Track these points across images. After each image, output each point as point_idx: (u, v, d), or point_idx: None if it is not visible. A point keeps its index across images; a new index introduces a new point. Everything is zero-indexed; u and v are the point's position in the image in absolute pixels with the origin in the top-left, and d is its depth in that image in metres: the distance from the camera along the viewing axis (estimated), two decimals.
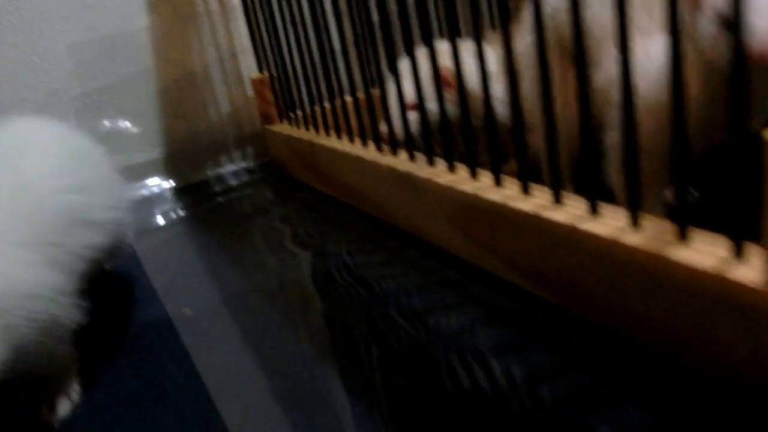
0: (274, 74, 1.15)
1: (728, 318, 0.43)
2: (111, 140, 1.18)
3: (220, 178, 1.27)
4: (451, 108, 0.72)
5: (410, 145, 0.80)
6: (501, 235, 0.63)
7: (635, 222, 0.51)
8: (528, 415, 0.47)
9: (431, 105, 0.73)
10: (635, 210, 0.51)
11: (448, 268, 0.71)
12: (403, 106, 0.79)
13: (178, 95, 1.24)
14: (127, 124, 1.22)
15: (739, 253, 0.43)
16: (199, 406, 0.56)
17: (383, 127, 0.84)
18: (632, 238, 0.49)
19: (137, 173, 1.23)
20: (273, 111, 1.19)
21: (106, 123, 1.20)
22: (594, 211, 0.54)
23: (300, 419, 0.52)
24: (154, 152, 1.25)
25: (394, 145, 0.83)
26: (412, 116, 0.81)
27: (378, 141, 0.86)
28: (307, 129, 1.07)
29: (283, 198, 1.10)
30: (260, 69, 1.19)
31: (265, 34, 1.12)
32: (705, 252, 0.45)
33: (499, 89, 0.72)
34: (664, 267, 0.46)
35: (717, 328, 0.45)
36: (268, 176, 1.23)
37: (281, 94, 1.15)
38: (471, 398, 0.50)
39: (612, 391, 0.48)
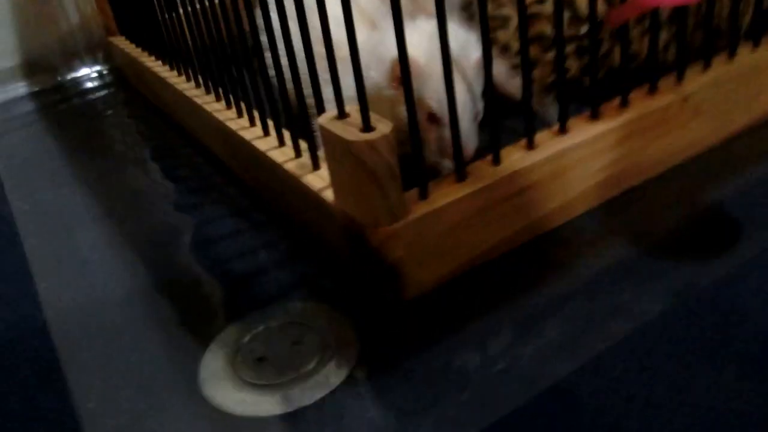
0: None
1: (314, 208, 0.72)
2: None
3: (75, 81, 1.48)
4: None
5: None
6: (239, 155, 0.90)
7: (297, 153, 0.78)
8: None
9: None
10: (297, 147, 0.78)
11: (216, 170, 0.98)
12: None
13: (31, 8, 1.41)
14: None
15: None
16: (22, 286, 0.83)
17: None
18: (290, 164, 0.77)
19: None
20: (113, 24, 1.38)
21: None
22: (281, 144, 0.82)
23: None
24: (8, 60, 1.44)
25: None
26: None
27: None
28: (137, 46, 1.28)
29: (124, 103, 1.33)
30: None
31: None
32: (318, 177, 0.73)
33: None
34: (298, 182, 0.75)
35: (309, 212, 0.74)
36: (114, 81, 1.44)
37: (116, 9, 1.34)
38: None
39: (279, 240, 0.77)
